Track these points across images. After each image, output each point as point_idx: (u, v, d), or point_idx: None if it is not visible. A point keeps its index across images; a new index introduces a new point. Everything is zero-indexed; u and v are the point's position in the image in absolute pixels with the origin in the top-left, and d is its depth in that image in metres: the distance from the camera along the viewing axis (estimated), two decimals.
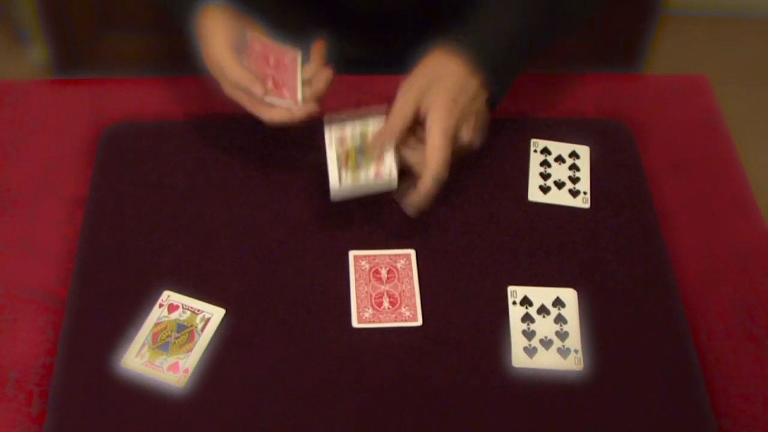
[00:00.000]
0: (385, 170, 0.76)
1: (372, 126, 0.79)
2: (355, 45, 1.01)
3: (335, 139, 0.78)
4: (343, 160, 0.77)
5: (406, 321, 0.74)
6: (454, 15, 0.93)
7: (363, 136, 0.78)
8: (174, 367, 0.73)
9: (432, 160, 0.74)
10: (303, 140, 0.88)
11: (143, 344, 0.74)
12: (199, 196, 0.83)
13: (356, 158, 0.77)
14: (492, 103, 0.81)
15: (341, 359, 0.72)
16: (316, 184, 0.84)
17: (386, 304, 0.75)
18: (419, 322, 0.75)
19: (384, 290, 0.76)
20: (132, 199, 0.83)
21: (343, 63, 0.93)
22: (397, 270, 0.78)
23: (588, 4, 0.88)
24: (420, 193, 0.75)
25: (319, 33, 0.96)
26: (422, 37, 0.86)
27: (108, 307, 0.75)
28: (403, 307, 0.75)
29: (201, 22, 0.81)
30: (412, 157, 0.77)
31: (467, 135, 0.77)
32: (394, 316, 0.75)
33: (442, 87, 0.76)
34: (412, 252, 0.79)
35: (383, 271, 0.77)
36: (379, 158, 0.76)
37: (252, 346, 0.73)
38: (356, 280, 0.77)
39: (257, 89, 0.77)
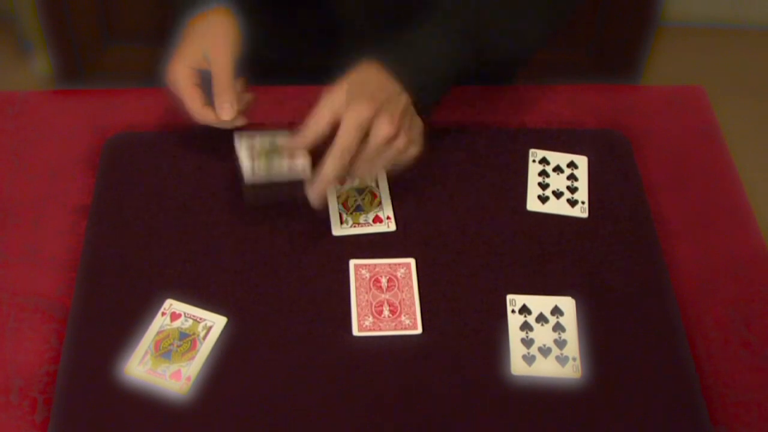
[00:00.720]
0: (384, 214, 0.81)
1: (279, 138, 0.81)
2: (344, 52, 1.01)
3: (245, 144, 0.80)
4: (255, 156, 0.79)
5: (406, 329, 0.75)
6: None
7: (272, 143, 0.80)
8: (176, 374, 0.73)
9: (336, 141, 0.75)
10: None
11: (146, 352, 0.74)
12: (201, 206, 0.83)
13: (267, 155, 0.79)
14: (422, 109, 0.81)
15: (342, 367, 0.73)
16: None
17: (386, 313, 0.76)
18: (419, 330, 0.75)
19: (384, 299, 0.77)
20: (135, 208, 0.83)
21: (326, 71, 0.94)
22: (397, 279, 0.78)
23: (530, 30, 0.87)
24: (320, 178, 0.75)
25: (311, 40, 0.98)
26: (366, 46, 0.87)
27: (111, 316, 0.76)
28: (403, 316, 0.76)
29: (203, 19, 0.84)
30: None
31: (388, 126, 0.75)
32: (394, 324, 0.75)
33: (359, 88, 0.77)
34: (412, 261, 0.79)
35: (383, 280, 0.78)
36: (291, 156, 0.78)
37: (253, 354, 0.74)
38: (357, 288, 0.77)
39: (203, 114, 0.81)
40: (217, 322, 0.76)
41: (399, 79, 0.79)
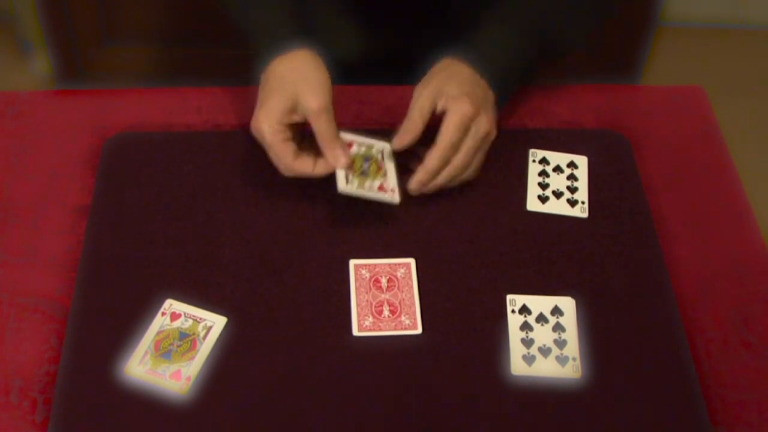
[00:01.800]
0: (388, 185, 0.78)
1: (377, 146, 0.82)
2: (376, 41, 1.02)
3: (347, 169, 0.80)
4: (349, 171, 0.79)
5: (406, 329, 0.75)
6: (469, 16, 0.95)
7: (369, 148, 0.80)
8: (176, 374, 0.73)
9: (442, 137, 0.79)
10: None
11: (146, 352, 0.74)
12: (201, 206, 0.83)
13: (362, 165, 0.79)
14: (499, 106, 0.85)
15: (342, 367, 0.73)
16: (317, 194, 0.85)
17: (386, 313, 0.76)
18: (419, 330, 0.75)
19: (384, 299, 0.77)
20: (135, 208, 0.83)
21: (359, 66, 0.95)
22: (397, 279, 0.78)
23: (582, 26, 0.92)
24: (425, 168, 0.80)
25: (344, 27, 0.97)
26: (439, 41, 0.90)
27: (111, 316, 0.76)
28: (403, 316, 0.76)
29: (289, 63, 0.80)
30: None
31: (487, 124, 0.81)
32: (394, 324, 0.75)
33: (457, 81, 0.81)
34: (411, 261, 0.79)
35: (383, 280, 0.78)
36: (387, 171, 0.80)
37: (253, 354, 0.74)
38: (357, 288, 0.77)
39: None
40: (217, 322, 0.76)
41: (485, 77, 0.83)
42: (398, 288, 0.77)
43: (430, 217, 0.83)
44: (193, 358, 0.74)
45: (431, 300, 0.77)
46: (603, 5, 0.92)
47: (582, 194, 0.86)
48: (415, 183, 0.81)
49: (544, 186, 0.87)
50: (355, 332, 0.75)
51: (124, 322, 0.75)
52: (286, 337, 0.75)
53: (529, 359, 0.74)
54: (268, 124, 0.78)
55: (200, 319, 0.77)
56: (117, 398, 0.71)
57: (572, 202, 0.86)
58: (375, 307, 0.76)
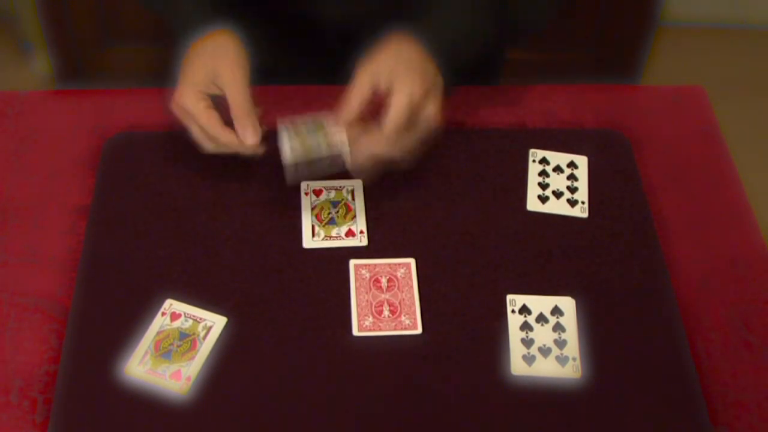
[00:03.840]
0: (357, 227, 0.80)
1: (346, 187, 0.82)
2: (324, 56, 1.01)
3: (285, 127, 0.78)
4: (293, 136, 0.78)
5: (406, 329, 0.75)
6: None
7: (338, 192, 0.82)
8: (176, 374, 0.73)
9: (388, 121, 0.74)
10: None
11: (146, 352, 0.74)
12: (201, 206, 0.83)
13: (330, 213, 0.80)
14: (446, 91, 0.81)
15: (341, 367, 0.73)
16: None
17: (386, 313, 0.76)
18: (419, 330, 0.75)
19: (384, 299, 0.76)
20: (135, 208, 0.83)
21: (311, 73, 0.94)
22: (397, 279, 0.78)
23: (540, 11, 0.87)
24: (369, 154, 0.76)
25: (290, 46, 0.97)
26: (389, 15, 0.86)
27: (111, 316, 0.76)
28: (403, 316, 0.76)
29: (208, 42, 0.80)
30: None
31: (434, 110, 0.76)
32: (394, 324, 0.75)
33: (404, 61, 0.76)
34: (412, 261, 0.79)
35: (383, 280, 0.78)
36: (329, 134, 0.77)
37: (253, 354, 0.74)
38: (357, 288, 0.77)
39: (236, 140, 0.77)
40: (217, 322, 0.76)
41: (434, 59, 0.78)
42: (398, 288, 0.77)
43: (430, 217, 0.83)
44: (193, 358, 0.74)
45: (431, 300, 0.77)
46: None
47: (582, 194, 0.86)
48: (357, 166, 0.77)
49: (544, 186, 0.87)
50: (355, 332, 0.75)
51: (124, 322, 0.75)
52: (286, 337, 0.74)
53: (529, 359, 0.74)
54: (192, 94, 0.77)
55: (200, 319, 0.77)
56: (117, 398, 0.71)
57: (572, 202, 0.86)
58: (375, 307, 0.76)
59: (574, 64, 1.87)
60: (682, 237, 0.84)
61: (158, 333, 0.76)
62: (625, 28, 1.81)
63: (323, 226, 0.80)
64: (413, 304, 0.76)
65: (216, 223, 0.82)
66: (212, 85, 0.79)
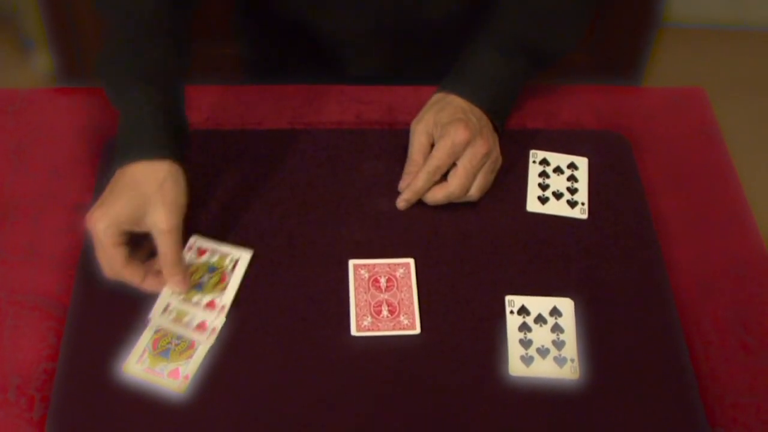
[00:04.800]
0: (220, 301, 0.75)
1: (232, 255, 0.78)
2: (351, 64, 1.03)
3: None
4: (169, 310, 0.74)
5: (404, 329, 0.75)
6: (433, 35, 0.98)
7: (221, 258, 0.77)
8: (174, 373, 0.73)
9: (429, 160, 0.82)
10: (301, 152, 0.88)
11: (144, 350, 0.74)
12: (198, 204, 0.83)
13: (201, 276, 0.76)
14: (498, 127, 0.86)
15: (340, 366, 0.73)
16: (315, 193, 0.85)
17: (385, 313, 0.76)
18: (417, 331, 0.75)
19: (383, 299, 0.76)
20: None
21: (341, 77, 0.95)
22: (396, 279, 0.78)
23: (571, 29, 0.92)
24: (411, 188, 0.82)
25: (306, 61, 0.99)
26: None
27: (109, 314, 0.76)
28: (401, 316, 0.76)
29: (148, 172, 0.73)
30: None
31: (484, 146, 0.82)
32: (392, 324, 0.75)
33: (450, 111, 0.83)
34: (411, 261, 0.79)
35: (382, 280, 0.78)
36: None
37: (252, 353, 0.74)
38: (355, 288, 0.77)
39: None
40: (216, 322, 0.76)
41: (477, 105, 0.84)
42: (397, 288, 0.77)
43: (429, 217, 0.83)
44: (191, 356, 0.74)
45: (430, 300, 0.77)
46: (588, 4, 0.91)
47: (582, 195, 0.86)
48: (401, 201, 0.83)
49: (544, 187, 0.87)
50: (354, 332, 0.75)
51: (123, 321, 0.75)
52: (284, 337, 0.74)
53: (527, 360, 0.74)
54: (106, 225, 0.71)
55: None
56: (115, 396, 0.71)
57: (572, 203, 0.86)
58: (374, 306, 0.76)
59: (575, 65, 1.87)
60: (681, 238, 0.84)
61: (156, 331, 0.76)
62: (627, 30, 1.81)
63: (182, 300, 0.75)
64: (412, 304, 0.76)
65: (212, 222, 0.82)
66: (137, 224, 0.73)
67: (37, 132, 0.91)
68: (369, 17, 0.96)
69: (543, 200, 0.86)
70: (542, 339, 0.75)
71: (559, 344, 0.75)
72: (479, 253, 0.81)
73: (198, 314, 0.74)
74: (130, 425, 0.70)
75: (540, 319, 0.77)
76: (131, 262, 0.74)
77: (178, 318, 0.73)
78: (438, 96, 0.86)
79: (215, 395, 0.71)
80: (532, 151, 0.90)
